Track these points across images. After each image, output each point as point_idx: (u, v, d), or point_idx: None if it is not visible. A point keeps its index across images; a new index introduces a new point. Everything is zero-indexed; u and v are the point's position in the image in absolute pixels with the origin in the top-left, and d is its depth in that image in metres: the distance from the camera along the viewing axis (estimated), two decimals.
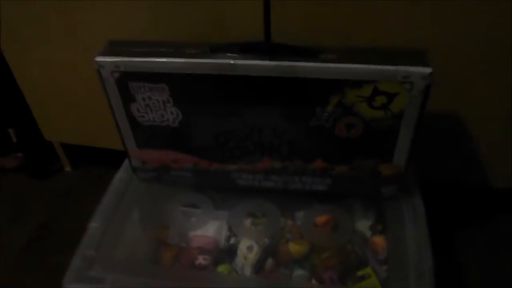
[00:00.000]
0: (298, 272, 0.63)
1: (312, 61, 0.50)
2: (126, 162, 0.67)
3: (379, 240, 0.66)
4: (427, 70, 0.48)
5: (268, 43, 0.62)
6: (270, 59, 0.50)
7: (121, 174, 0.67)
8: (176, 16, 0.65)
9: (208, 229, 0.68)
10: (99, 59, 0.53)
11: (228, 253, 0.65)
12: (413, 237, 0.58)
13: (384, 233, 0.67)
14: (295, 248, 0.64)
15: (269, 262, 0.63)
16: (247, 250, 0.64)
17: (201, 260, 0.64)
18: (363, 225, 0.68)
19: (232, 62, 0.50)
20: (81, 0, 0.67)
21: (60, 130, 0.91)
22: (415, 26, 0.60)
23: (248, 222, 0.68)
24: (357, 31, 0.61)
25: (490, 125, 0.70)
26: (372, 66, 0.48)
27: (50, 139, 0.95)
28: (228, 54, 0.51)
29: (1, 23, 0.74)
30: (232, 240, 0.66)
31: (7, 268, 0.82)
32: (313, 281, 0.62)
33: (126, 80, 0.54)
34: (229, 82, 0.53)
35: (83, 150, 0.96)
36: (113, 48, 0.54)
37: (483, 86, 0.65)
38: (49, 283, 0.77)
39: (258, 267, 0.63)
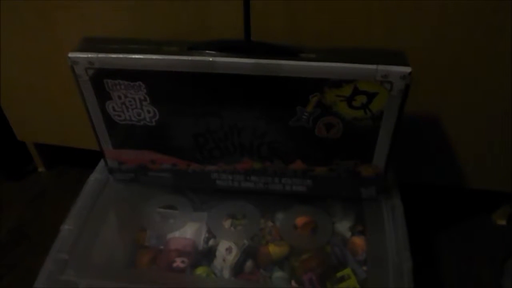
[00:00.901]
0: (278, 274, 0.63)
1: (292, 60, 0.49)
2: (101, 162, 0.66)
3: (359, 241, 0.66)
4: (407, 69, 0.48)
5: (248, 41, 0.61)
6: (250, 57, 0.49)
7: (97, 175, 0.65)
8: (156, 15, 0.64)
9: (187, 231, 0.67)
10: (73, 55, 0.51)
11: (206, 255, 0.64)
12: (393, 238, 0.59)
13: (364, 234, 0.67)
14: (274, 249, 0.64)
15: (249, 264, 0.62)
16: (226, 251, 0.63)
17: (179, 262, 0.62)
18: (343, 226, 0.68)
19: (210, 59, 0.50)
20: None
21: (34, 129, 0.89)
22: (395, 28, 0.60)
23: (227, 223, 0.67)
24: (338, 32, 0.61)
25: (466, 126, 0.70)
26: (352, 65, 0.48)
27: (23, 139, 0.93)
28: (206, 52, 0.50)
29: None
30: (211, 242, 0.65)
31: None
32: (293, 283, 0.61)
33: (101, 77, 0.52)
34: (208, 81, 0.52)
35: (57, 150, 0.94)
36: (87, 44, 0.52)
37: (458, 87, 0.66)
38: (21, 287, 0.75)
39: (237, 269, 0.62)
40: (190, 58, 0.50)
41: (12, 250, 0.83)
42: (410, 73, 0.48)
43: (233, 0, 0.60)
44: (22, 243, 0.84)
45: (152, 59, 0.50)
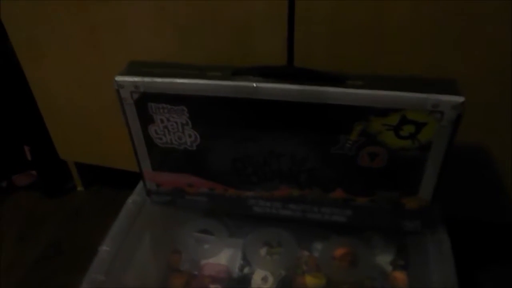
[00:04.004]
0: None
1: (337, 87, 0.48)
2: (140, 184, 0.66)
3: (400, 276, 0.63)
4: (459, 99, 0.46)
5: (291, 67, 0.61)
6: (294, 84, 0.49)
7: (135, 197, 0.66)
8: (200, 40, 0.65)
9: (221, 257, 0.66)
10: (119, 78, 0.52)
11: (241, 283, 0.63)
12: (438, 274, 0.55)
13: (405, 269, 0.64)
14: (311, 281, 0.62)
15: None
16: (262, 281, 0.61)
17: None
18: (383, 259, 0.65)
19: (254, 85, 0.49)
20: (108, 19, 0.67)
21: (75, 149, 0.91)
22: (441, 57, 0.58)
23: (263, 251, 0.65)
24: (383, 60, 0.60)
25: None
26: (400, 94, 0.47)
27: (65, 158, 0.95)
28: (250, 77, 0.50)
29: (24, 39, 0.75)
30: (246, 270, 0.64)
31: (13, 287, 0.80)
32: None
33: (145, 101, 0.53)
34: (250, 107, 0.51)
35: (96, 170, 0.95)
36: (133, 68, 0.53)
37: (508, 118, 0.62)
38: None
39: None
40: (233, 83, 0.50)
41: (47, 265, 0.83)
42: (463, 103, 0.46)
43: (277, 24, 0.60)
44: (57, 259, 0.85)
45: (196, 83, 0.50)
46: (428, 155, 0.51)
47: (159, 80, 0.51)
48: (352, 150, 0.52)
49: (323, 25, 0.59)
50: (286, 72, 0.51)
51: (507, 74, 0.58)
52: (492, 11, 0.53)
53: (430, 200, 0.55)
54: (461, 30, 0.56)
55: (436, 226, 0.60)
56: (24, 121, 0.91)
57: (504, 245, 0.83)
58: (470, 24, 0.55)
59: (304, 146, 0.54)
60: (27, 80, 0.81)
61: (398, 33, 0.58)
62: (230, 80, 0.50)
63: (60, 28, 0.71)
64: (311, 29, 0.60)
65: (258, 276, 0.62)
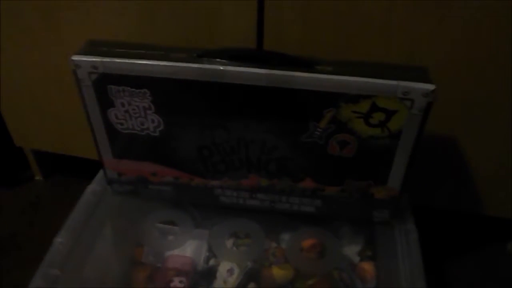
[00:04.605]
0: None
1: (307, 72, 0.46)
2: (100, 173, 0.63)
3: (368, 267, 0.63)
4: (430, 86, 0.45)
5: (261, 51, 0.59)
6: (262, 68, 0.47)
7: (94, 186, 0.63)
8: (165, 19, 0.62)
9: (186, 249, 0.63)
10: (76, 58, 0.49)
11: (206, 276, 0.61)
12: (406, 264, 0.55)
13: (373, 260, 0.64)
14: (279, 273, 0.60)
15: (251, 287, 0.59)
16: (227, 273, 0.59)
17: (176, 282, 0.59)
18: (351, 250, 0.65)
19: (221, 68, 0.47)
20: None
21: (32, 135, 0.86)
22: (415, 43, 0.57)
23: (229, 242, 0.63)
24: (355, 46, 0.59)
25: (487, 151, 0.67)
26: (371, 80, 0.46)
27: (21, 145, 0.90)
28: (216, 60, 0.48)
29: None
30: (212, 262, 0.62)
31: None
32: None
33: (104, 83, 0.50)
34: (216, 91, 0.49)
35: (56, 158, 0.91)
36: (92, 48, 0.50)
37: (478, 108, 0.63)
38: None
39: None
40: (199, 66, 0.48)
41: (1, 259, 0.79)
42: (433, 91, 0.45)
43: (246, 6, 0.57)
44: (12, 254, 0.80)
45: (159, 65, 0.48)
46: (398, 143, 0.50)
47: (119, 60, 0.48)
48: (322, 138, 0.51)
49: (294, 8, 0.57)
50: (255, 56, 0.49)
51: (479, 64, 0.58)
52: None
53: (399, 189, 0.55)
54: (435, 18, 0.55)
55: (404, 216, 0.60)
56: None
57: (471, 234, 0.85)
58: (444, 13, 0.54)
59: (273, 133, 0.53)
60: None
61: (370, 18, 0.57)
62: (196, 62, 0.48)
63: (14, 7, 0.67)
64: (282, 13, 0.58)
65: (223, 268, 0.60)
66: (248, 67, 0.47)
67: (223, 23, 0.60)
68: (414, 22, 0.56)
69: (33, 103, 0.79)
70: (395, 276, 0.55)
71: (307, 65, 0.47)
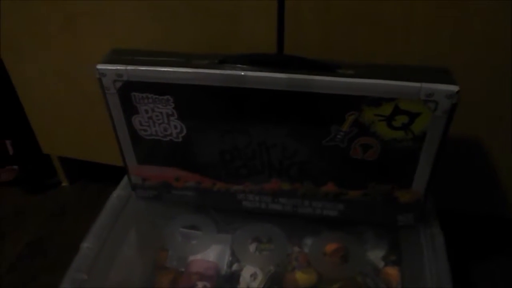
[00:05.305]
0: None
1: (328, 75, 0.46)
2: (125, 179, 0.64)
3: (392, 272, 0.62)
4: (454, 88, 0.44)
5: (281, 55, 0.59)
6: (283, 72, 0.47)
7: (119, 192, 0.63)
8: (186, 27, 0.63)
9: (210, 254, 0.64)
10: (101, 67, 0.50)
11: (229, 280, 0.61)
12: (432, 269, 0.54)
13: (398, 264, 0.63)
14: (302, 277, 0.60)
15: None
16: (251, 278, 0.59)
17: (200, 286, 0.59)
18: (375, 255, 0.64)
19: (242, 73, 0.47)
20: (86, 6, 0.65)
21: (59, 143, 0.88)
22: (437, 46, 0.57)
23: (252, 247, 0.63)
24: (375, 50, 0.58)
25: (511, 152, 0.65)
26: (393, 82, 0.45)
27: (48, 152, 0.92)
28: (237, 66, 0.48)
29: (1, 30, 0.72)
30: (235, 266, 0.62)
31: None
32: None
33: (128, 90, 0.51)
34: (238, 96, 0.49)
35: (81, 165, 0.93)
36: (116, 56, 0.51)
37: (504, 110, 0.61)
38: None
39: None
40: (220, 72, 0.48)
41: (29, 264, 0.81)
42: (457, 92, 0.44)
43: (266, 10, 0.58)
44: (39, 258, 0.82)
45: (181, 72, 0.48)
46: (422, 146, 0.49)
47: (143, 68, 0.49)
48: (344, 141, 0.51)
49: (314, 12, 0.57)
50: (275, 60, 0.49)
51: (503, 66, 0.57)
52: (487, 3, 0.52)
53: (423, 193, 0.54)
54: (455, 19, 0.54)
55: (429, 220, 0.58)
56: (5, 114, 0.88)
57: (498, 239, 0.83)
58: (464, 13, 0.54)
59: (294, 137, 0.52)
60: (7, 73, 0.78)
61: (391, 20, 0.56)
62: (217, 68, 0.48)
63: (37, 17, 0.68)
64: (302, 16, 0.58)
65: (247, 272, 0.60)
66: (269, 72, 0.47)
67: (243, 28, 0.60)
68: (435, 23, 0.55)
69: (58, 111, 0.81)
70: (421, 281, 0.54)
71: (328, 68, 0.47)
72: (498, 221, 0.77)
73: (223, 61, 0.49)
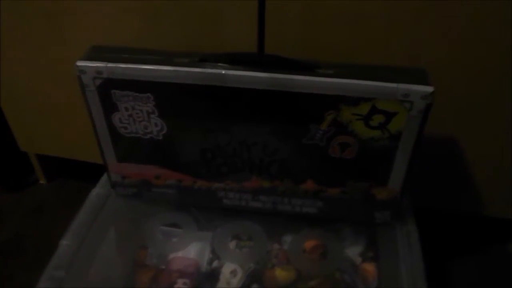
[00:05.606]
0: None
1: (308, 75, 0.47)
2: (104, 176, 0.64)
3: (369, 268, 0.63)
4: (428, 89, 0.46)
5: (261, 55, 0.59)
6: (263, 71, 0.47)
7: (98, 189, 0.63)
8: (168, 25, 0.63)
9: (190, 251, 0.64)
10: (80, 63, 0.49)
11: (209, 277, 0.61)
12: (407, 265, 0.56)
13: (375, 261, 0.64)
14: (281, 274, 0.61)
15: None
16: (231, 274, 0.60)
17: (180, 284, 0.60)
18: (353, 251, 0.65)
19: (222, 72, 0.48)
20: (68, 1, 0.64)
21: (36, 140, 0.87)
22: (415, 47, 0.58)
23: (232, 244, 0.64)
24: (356, 48, 0.59)
25: (487, 152, 0.68)
26: (371, 83, 0.46)
27: (25, 150, 0.91)
28: (218, 64, 0.48)
29: None
30: (215, 264, 0.62)
31: None
32: None
33: (108, 88, 0.50)
34: (218, 95, 0.50)
35: (60, 162, 0.92)
36: (96, 53, 0.51)
37: (477, 109, 0.63)
38: None
39: None
40: (201, 70, 0.48)
41: (6, 263, 0.80)
42: (432, 93, 0.46)
43: (247, 9, 0.58)
44: (17, 256, 0.81)
45: (162, 70, 0.48)
46: (398, 145, 0.51)
47: (123, 65, 0.49)
48: (323, 140, 0.52)
49: (295, 12, 0.58)
50: (256, 59, 0.50)
51: (478, 64, 0.59)
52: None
53: (399, 191, 0.55)
54: (435, 18, 0.55)
55: (405, 217, 0.60)
56: None
57: (472, 235, 0.85)
58: (443, 13, 0.55)
59: (275, 136, 0.53)
60: None
61: (371, 20, 0.57)
62: (198, 67, 0.49)
63: (17, 13, 0.67)
64: (283, 16, 0.58)
65: (227, 269, 0.60)
66: (249, 71, 0.48)
67: (224, 27, 0.61)
68: (414, 23, 0.56)
69: (37, 108, 0.80)
70: (397, 277, 0.55)
71: (308, 68, 0.48)
72: (473, 219, 0.79)
73: (203, 60, 0.49)
